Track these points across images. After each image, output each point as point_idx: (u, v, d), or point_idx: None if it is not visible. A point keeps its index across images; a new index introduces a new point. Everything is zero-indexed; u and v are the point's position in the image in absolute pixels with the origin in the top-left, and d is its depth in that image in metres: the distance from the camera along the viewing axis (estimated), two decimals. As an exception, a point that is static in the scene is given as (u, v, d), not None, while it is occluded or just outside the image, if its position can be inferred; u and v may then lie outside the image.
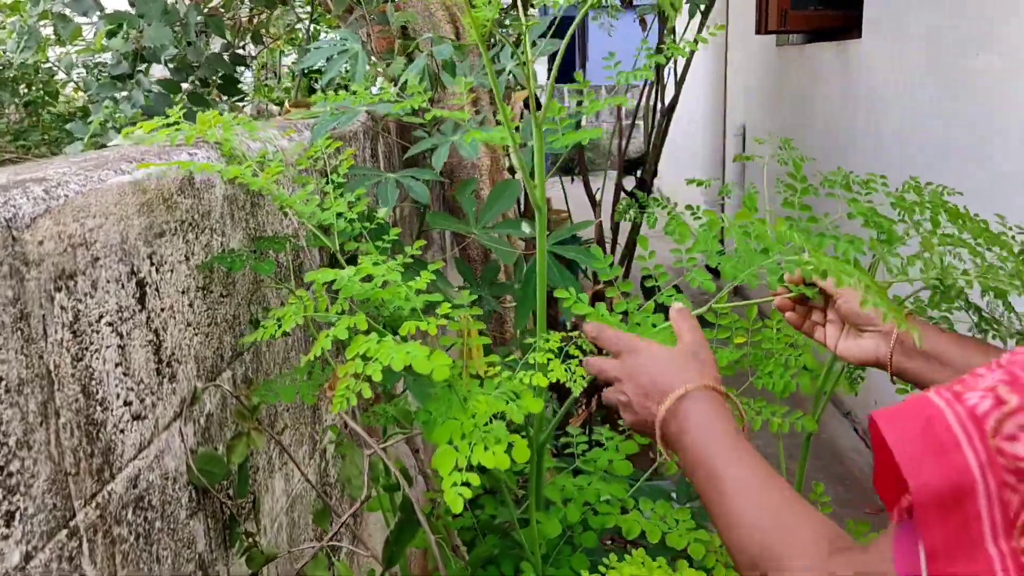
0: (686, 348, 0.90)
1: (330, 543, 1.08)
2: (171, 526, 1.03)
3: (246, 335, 1.27)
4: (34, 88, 3.75)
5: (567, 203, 3.59)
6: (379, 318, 1.05)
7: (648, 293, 1.38)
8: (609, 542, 2.01)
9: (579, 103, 1.25)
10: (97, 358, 0.88)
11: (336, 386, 1.06)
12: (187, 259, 1.10)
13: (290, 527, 1.45)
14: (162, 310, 1.02)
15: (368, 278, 1.02)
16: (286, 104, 1.88)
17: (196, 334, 1.12)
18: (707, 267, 1.56)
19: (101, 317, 0.89)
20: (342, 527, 1.08)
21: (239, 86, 2.88)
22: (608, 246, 3.44)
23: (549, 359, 1.11)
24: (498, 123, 2.35)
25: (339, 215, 1.13)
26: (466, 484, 0.90)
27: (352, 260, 1.33)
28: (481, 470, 0.91)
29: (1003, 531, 0.45)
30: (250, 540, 1.15)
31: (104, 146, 2.30)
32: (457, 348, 1.21)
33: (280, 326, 1.03)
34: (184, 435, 1.07)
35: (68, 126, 3.08)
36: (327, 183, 1.28)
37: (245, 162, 1.23)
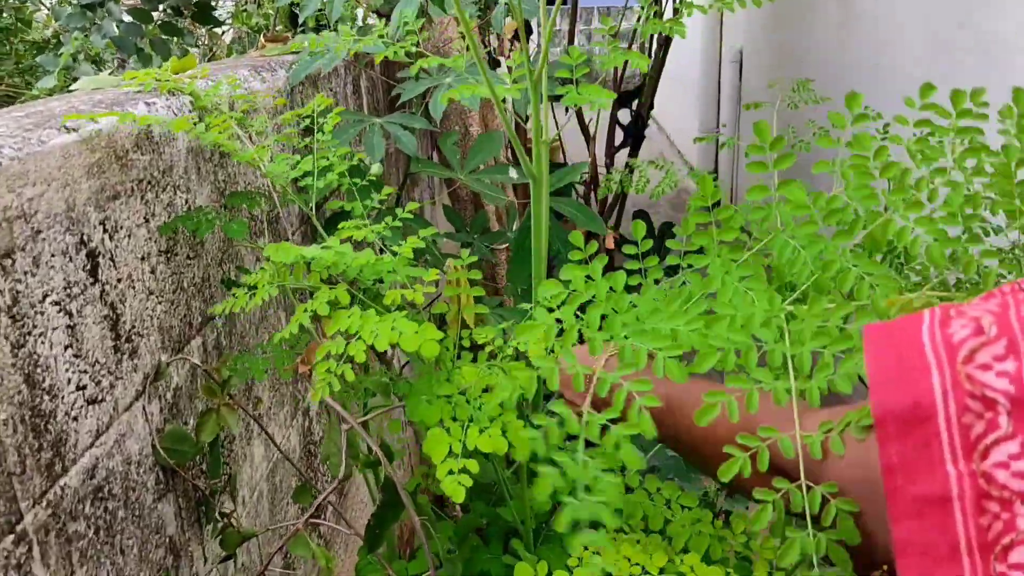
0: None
1: (312, 520, 1.00)
2: (136, 513, 0.95)
3: (217, 299, 1.18)
4: (5, 15, 3.57)
5: (559, 133, 3.47)
6: (359, 288, 0.95)
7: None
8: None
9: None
10: (42, 342, 0.79)
11: (311, 359, 0.97)
12: (147, 221, 1.00)
13: (271, 494, 1.38)
14: (119, 281, 0.93)
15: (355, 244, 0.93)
16: (260, 39, 1.75)
17: (160, 303, 1.03)
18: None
19: (46, 296, 0.79)
20: (324, 501, 1.01)
21: (214, 13, 2.72)
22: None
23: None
24: (494, 63, 2.22)
25: (308, 173, 1.03)
26: (464, 471, 0.84)
27: (333, 220, 1.23)
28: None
29: (963, 453, 0.46)
30: (225, 520, 1.08)
31: (76, 79, 2.17)
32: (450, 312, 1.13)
33: (252, 296, 0.93)
34: (149, 414, 0.99)
35: (39, 59, 2.93)
36: (306, 135, 1.18)
37: (216, 111, 1.12)
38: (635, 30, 3.57)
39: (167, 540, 1.03)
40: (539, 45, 1.04)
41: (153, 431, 0.99)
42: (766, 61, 4.95)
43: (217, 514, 1.10)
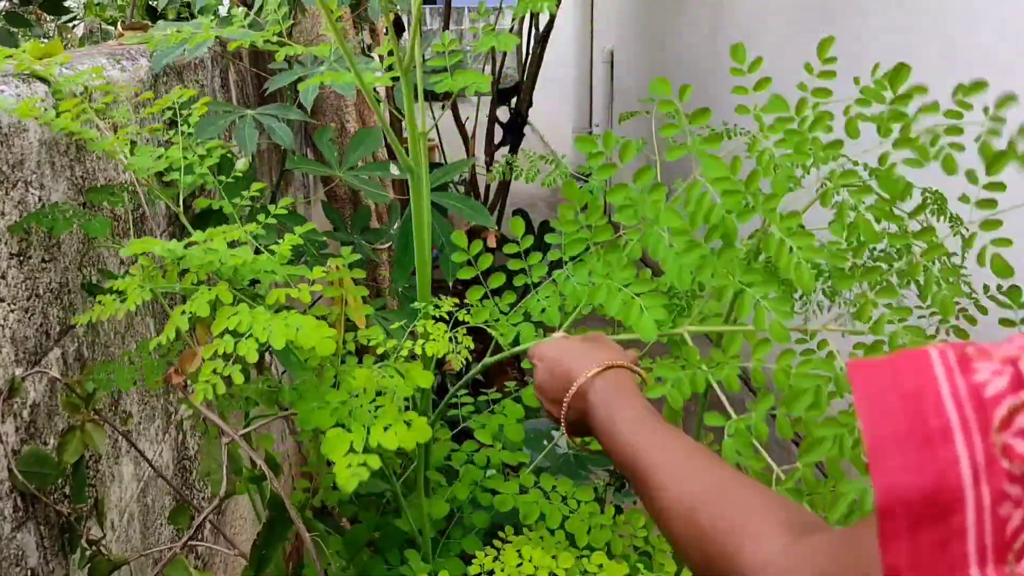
0: (588, 336, 0.88)
1: (189, 543, 0.93)
2: (-10, 546, 0.85)
3: (78, 306, 1.08)
4: None
5: (438, 133, 3.42)
6: (236, 289, 0.88)
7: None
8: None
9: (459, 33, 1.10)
10: None
11: (185, 368, 0.90)
12: (-6, 221, 0.90)
13: (143, 515, 1.28)
14: (-38, 287, 0.83)
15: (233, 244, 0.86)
16: (118, 27, 1.63)
17: (12, 310, 0.93)
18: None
19: None
20: (193, 519, 0.93)
21: (65, 4, 2.55)
22: (482, 185, 3.31)
23: (438, 329, 0.98)
24: (367, 54, 2.15)
25: (176, 168, 0.94)
26: (363, 465, 0.79)
27: (203, 218, 1.15)
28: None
29: (993, 555, 0.35)
30: (93, 547, 0.99)
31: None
32: (333, 313, 1.07)
33: (123, 300, 0.85)
34: (3, 435, 0.88)
35: None
36: (172, 127, 1.09)
37: (76, 99, 1.02)
38: (511, 28, 3.56)
39: (28, 573, 0.93)
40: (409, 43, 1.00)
41: (8, 453, 0.89)
42: (636, 61, 5.05)
43: (84, 541, 1.00)
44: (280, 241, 0.96)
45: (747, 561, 0.52)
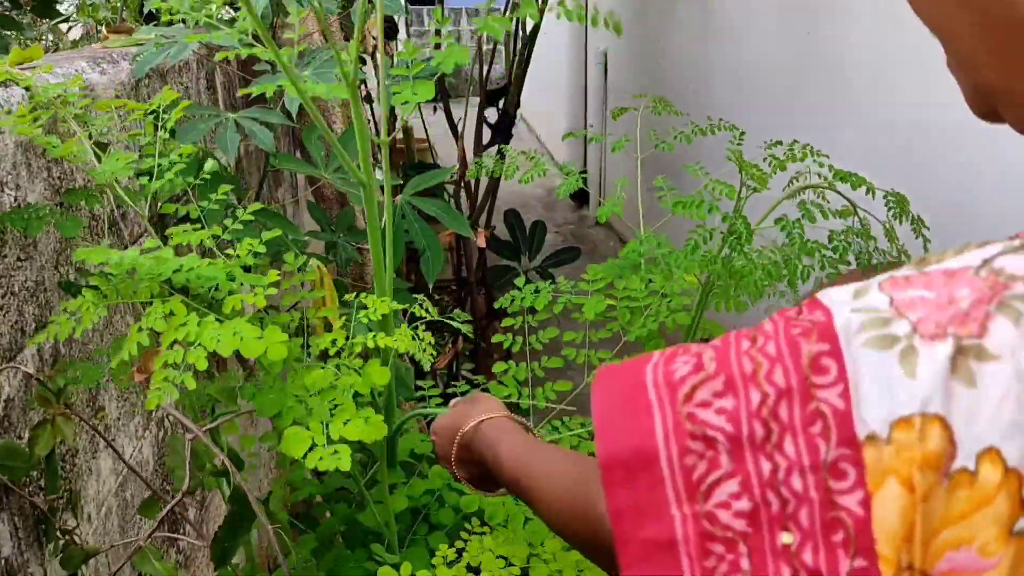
0: (471, 395, 0.96)
1: (168, 535, 0.95)
2: (-38, 536, 0.88)
3: (54, 303, 1.11)
4: None
5: (426, 132, 3.45)
6: (195, 296, 0.91)
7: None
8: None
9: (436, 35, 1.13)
10: None
11: (148, 367, 0.92)
12: (-31, 221, 0.93)
13: (122, 510, 1.31)
14: (-65, 285, 0.86)
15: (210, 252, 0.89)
16: (104, 30, 1.66)
17: (-14, 308, 0.96)
18: (571, 196, 1.54)
19: None
20: (172, 515, 0.96)
21: (57, 6, 2.57)
22: (472, 184, 3.34)
23: (380, 321, 1.00)
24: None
25: (147, 173, 0.97)
26: (335, 454, 0.82)
27: (180, 223, 1.18)
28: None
29: (686, 496, 0.45)
30: (67, 538, 1.01)
31: None
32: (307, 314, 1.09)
33: (79, 321, 0.87)
34: (-25, 428, 0.91)
35: None
36: (152, 129, 1.12)
37: (56, 104, 1.05)
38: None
39: (2, 561, 0.96)
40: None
41: (-20, 446, 0.92)
42: (630, 62, 5.07)
43: (59, 532, 1.03)
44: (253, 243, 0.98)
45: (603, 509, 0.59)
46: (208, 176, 1.10)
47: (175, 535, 0.93)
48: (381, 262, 1.00)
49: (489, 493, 0.91)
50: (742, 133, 1.46)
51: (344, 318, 1.20)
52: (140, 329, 0.81)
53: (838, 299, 0.45)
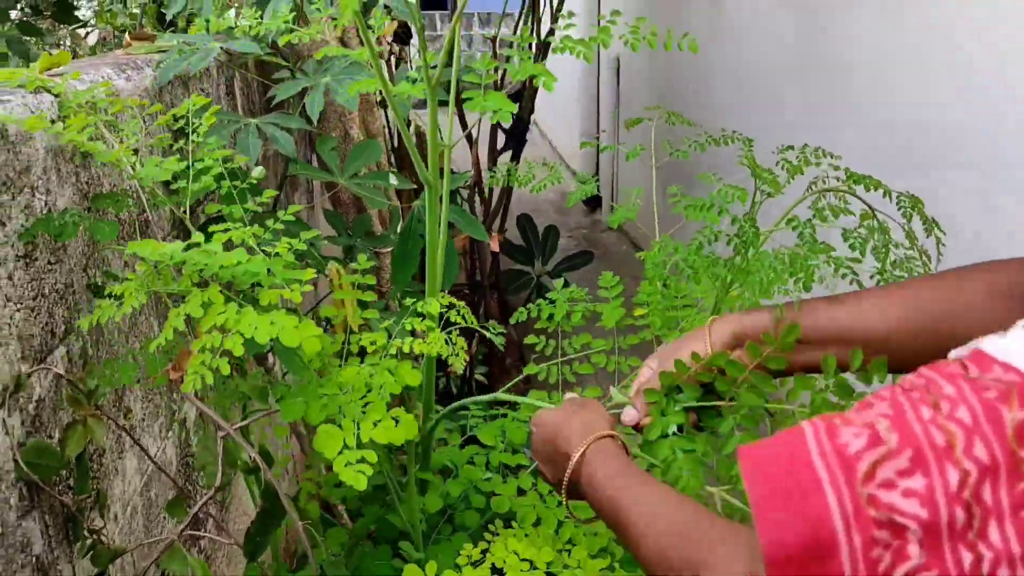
0: (570, 403, 0.92)
1: (190, 532, 0.97)
2: (-3, 533, 0.90)
3: (83, 306, 1.13)
4: None
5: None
6: (235, 291, 0.93)
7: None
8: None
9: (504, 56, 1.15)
10: None
11: (183, 366, 0.94)
12: (3, 224, 0.95)
13: (146, 509, 1.32)
14: (-28, 287, 0.88)
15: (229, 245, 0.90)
16: (126, 37, 1.68)
17: (19, 310, 0.97)
18: (584, 201, 1.54)
19: None
20: (201, 513, 0.98)
21: (76, 13, 2.61)
22: (486, 188, 3.35)
23: (430, 327, 1.02)
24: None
25: (182, 176, 0.99)
26: (363, 461, 0.83)
27: (214, 222, 1.20)
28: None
29: None
30: (94, 537, 1.03)
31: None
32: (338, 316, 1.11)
33: (120, 305, 0.89)
34: (9, 427, 0.93)
35: None
36: (179, 137, 1.14)
37: (82, 112, 1.07)
38: (514, 33, 3.61)
39: (33, 559, 0.97)
40: (419, 49, 1.05)
41: (14, 445, 0.93)
42: (642, 70, 5.09)
43: (86, 530, 1.05)
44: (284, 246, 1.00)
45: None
46: (255, 181, 1.13)
47: (198, 533, 0.95)
48: (435, 263, 1.02)
49: (567, 499, 0.89)
50: (751, 141, 1.48)
51: (368, 321, 1.22)
52: (179, 314, 0.83)
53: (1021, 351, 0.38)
